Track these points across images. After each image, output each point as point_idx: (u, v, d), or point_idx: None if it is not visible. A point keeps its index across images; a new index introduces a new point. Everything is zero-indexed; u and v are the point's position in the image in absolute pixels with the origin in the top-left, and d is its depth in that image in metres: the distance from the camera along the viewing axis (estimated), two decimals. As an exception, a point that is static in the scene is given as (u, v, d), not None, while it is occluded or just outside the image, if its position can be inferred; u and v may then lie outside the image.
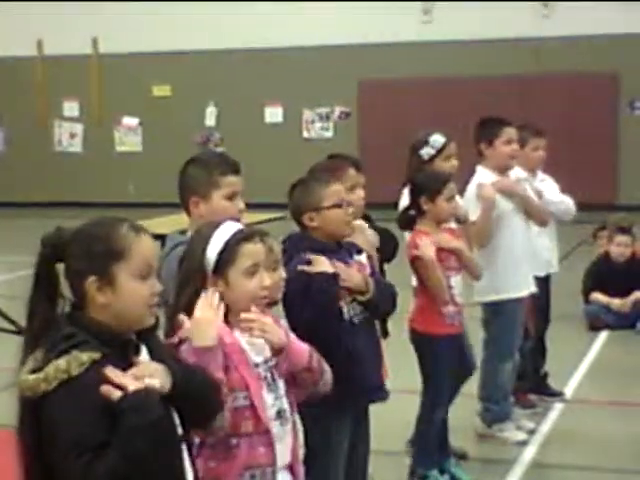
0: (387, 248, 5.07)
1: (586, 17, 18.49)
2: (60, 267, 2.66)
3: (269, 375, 3.19)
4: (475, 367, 6.02)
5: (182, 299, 3.13)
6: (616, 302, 9.65)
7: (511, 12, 18.87)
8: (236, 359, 3.08)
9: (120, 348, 2.58)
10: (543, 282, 6.91)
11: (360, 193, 4.86)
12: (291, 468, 3.24)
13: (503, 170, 6.32)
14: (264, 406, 3.13)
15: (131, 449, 2.42)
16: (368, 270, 4.38)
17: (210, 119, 21.66)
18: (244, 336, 3.16)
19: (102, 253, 2.59)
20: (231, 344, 3.09)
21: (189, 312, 3.10)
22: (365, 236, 4.76)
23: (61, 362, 2.48)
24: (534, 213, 6.43)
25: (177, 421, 2.70)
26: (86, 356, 2.49)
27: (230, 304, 3.13)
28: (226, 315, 3.12)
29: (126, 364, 2.57)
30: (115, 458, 2.41)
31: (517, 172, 6.61)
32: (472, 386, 6.42)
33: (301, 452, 3.30)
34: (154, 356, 2.70)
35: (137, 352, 2.66)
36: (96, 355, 2.50)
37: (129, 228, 2.63)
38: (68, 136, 22.65)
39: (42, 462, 2.53)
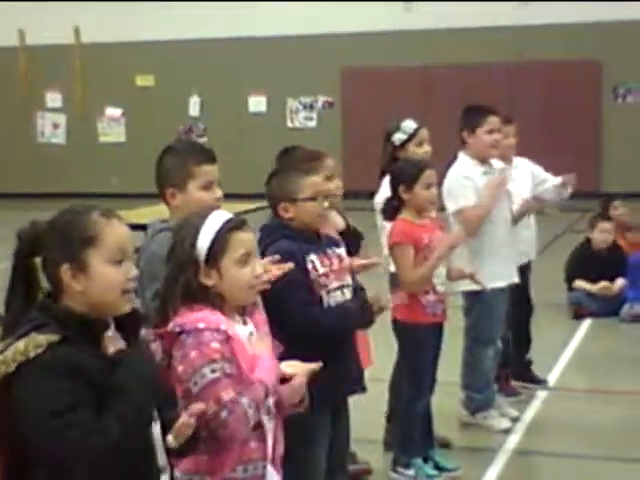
0: (354, 247, 5.10)
1: (569, 4, 18.51)
2: (38, 260, 2.67)
3: None
4: None
5: (174, 290, 3.11)
6: (598, 287, 9.67)
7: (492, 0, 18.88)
8: (238, 353, 3.07)
9: (85, 329, 2.60)
10: (521, 271, 6.93)
11: (338, 183, 4.89)
12: (273, 463, 3.23)
13: (484, 159, 6.33)
14: None
15: (133, 396, 2.56)
16: (347, 262, 4.38)
17: (194, 109, 21.62)
18: (240, 326, 3.15)
19: (74, 240, 2.61)
20: (234, 337, 3.08)
21: (183, 303, 3.09)
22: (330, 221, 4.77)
23: (19, 344, 2.53)
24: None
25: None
26: (43, 338, 2.52)
27: (224, 294, 3.13)
28: (222, 306, 3.12)
29: (94, 344, 2.60)
30: (121, 406, 2.53)
31: (494, 162, 6.63)
32: (456, 374, 6.45)
33: (282, 448, 3.28)
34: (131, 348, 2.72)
35: (105, 330, 2.68)
36: (54, 337, 2.53)
37: (100, 214, 2.66)
38: (51, 127, 22.57)
39: (11, 449, 2.56)
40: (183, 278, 3.10)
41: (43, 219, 2.71)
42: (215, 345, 3.00)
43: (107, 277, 2.63)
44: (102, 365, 2.58)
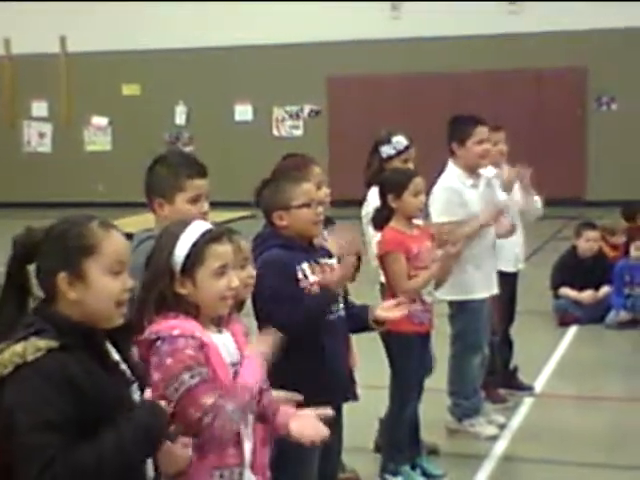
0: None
1: (554, 13, 18.60)
2: (31, 268, 2.68)
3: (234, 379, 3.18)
4: (434, 363, 5.99)
5: (149, 298, 3.13)
6: (584, 295, 9.73)
7: (480, 8, 18.95)
8: (214, 360, 3.08)
9: (83, 339, 2.60)
10: (511, 278, 6.96)
11: (326, 190, 4.92)
12: (253, 469, 3.24)
13: (474, 169, 6.35)
14: None
15: (128, 444, 2.54)
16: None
17: (180, 118, 21.62)
18: (215, 335, 3.16)
19: (73, 249, 2.62)
20: (209, 345, 3.09)
21: (157, 311, 3.10)
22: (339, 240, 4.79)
23: (17, 347, 2.53)
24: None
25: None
26: (43, 343, 2.53)
27: (199, 304, 3.14)
28: (196, 315, 3.14)
29: (91, 355, 2.59)
30: (107, 444, 2.51)
31: (485, 170, 6.64)
32: (443, 381, 6.47)
33: (265, 454, 3.29)
34: (125, 360, 2.72)
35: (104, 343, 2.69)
36: (53, 343, 2.53)
37: (99, 225, 2.67)
38: (37, 136, 22.54)
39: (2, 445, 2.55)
40: (159, 286, 3.12)
41: (37, 227, 2.71)
42: (189, 352, 3.02)
43: (104, 287, 2.63)
44: (100, 375, 2.58)
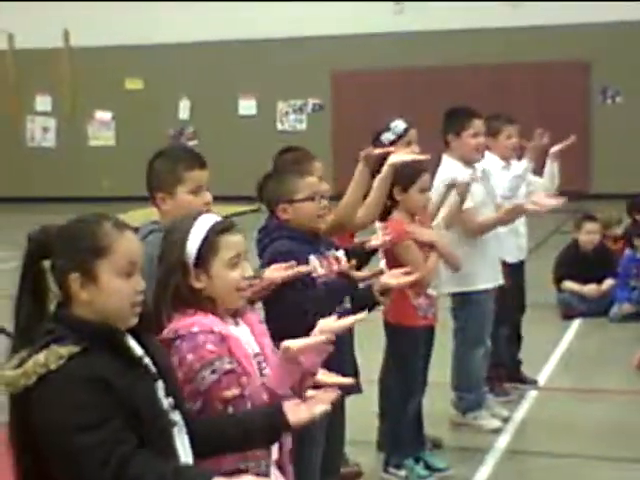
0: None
1: (556, 6, 18.58)
2: (47, 263, 2.65)
3: (258, 369, 3.18)
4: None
5: (166, 294, 3.12)
6: (588, 288, 9.73)
7: (483, 2, 18.94)
8: (238, 353, 3.07)
9: (104, 340, 2.58)
10: (517, 269, 6.96)
11: (326, 185, 4.92)
12: (279, 465, 3.23)
13: (469, 162, 6.34)
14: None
15: None
16: (345, 265, 4.38)
17: (183, 112, 21.63)
18: (233, 327, 3.16)
19: (85, 250, 2.59)
20: (230, 336, 3.08)
21: (174, 307, 3.10)
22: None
23: (40, 356, 2.49)
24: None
25: (171, 405, 2.73)
26: (65, 350, 2.50)
27: (214, 297, 3.13)
28: (213, 309, 3.12)
29: (115, 355, 2.57)
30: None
31: (493, 162, 6.64)
32: (447, 375, 6.47)
33: (289, 443, 3.28)
34: (148, 353, 2.70)
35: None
36: (75, 349, 2.51)
37: (113, 225, 2.63)
38: (41, 131, 22.57)
39: (32, 459, 2.53)
40: (173, 282, 3.10)
41: (51, 225, 2.69)
42: (210, 347, 3.01)
43: (116, 289, 2.60)
44: (126, 373, 2.56)
